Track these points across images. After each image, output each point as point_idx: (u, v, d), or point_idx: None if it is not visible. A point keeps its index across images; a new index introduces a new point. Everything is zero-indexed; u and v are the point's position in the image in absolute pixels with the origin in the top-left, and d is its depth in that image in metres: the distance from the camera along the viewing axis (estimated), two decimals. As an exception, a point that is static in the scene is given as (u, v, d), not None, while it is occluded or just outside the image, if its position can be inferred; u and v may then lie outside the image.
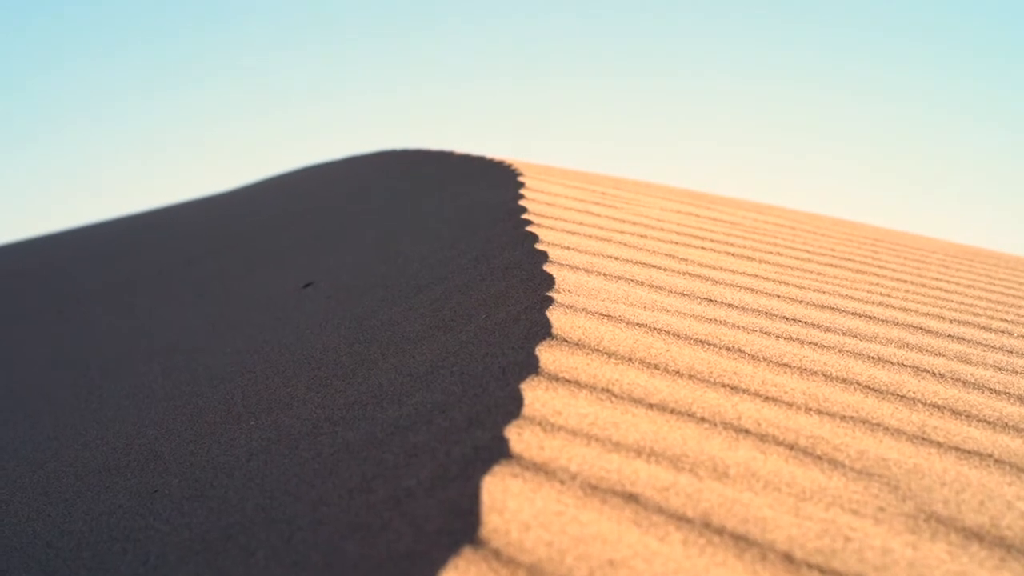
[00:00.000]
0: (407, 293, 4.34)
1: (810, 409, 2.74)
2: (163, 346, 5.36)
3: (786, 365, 3.09)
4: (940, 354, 3.64)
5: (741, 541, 1.92)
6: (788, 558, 1.90)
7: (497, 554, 1.71)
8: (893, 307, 4.42)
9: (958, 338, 3.98)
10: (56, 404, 4.77)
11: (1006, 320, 4.58)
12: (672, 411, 2.52)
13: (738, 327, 3.46)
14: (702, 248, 5.07)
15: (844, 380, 3.06)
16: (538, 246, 4.19)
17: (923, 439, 2.68)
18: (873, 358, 3.38)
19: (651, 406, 2.52)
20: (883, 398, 2.96)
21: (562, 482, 2.00)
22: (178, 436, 3.53)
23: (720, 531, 1.94)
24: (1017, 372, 3.55)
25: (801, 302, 4.14)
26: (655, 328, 3.19)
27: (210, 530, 2.55)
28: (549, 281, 3.56)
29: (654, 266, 4.30)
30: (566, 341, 2.85)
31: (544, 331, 2.93)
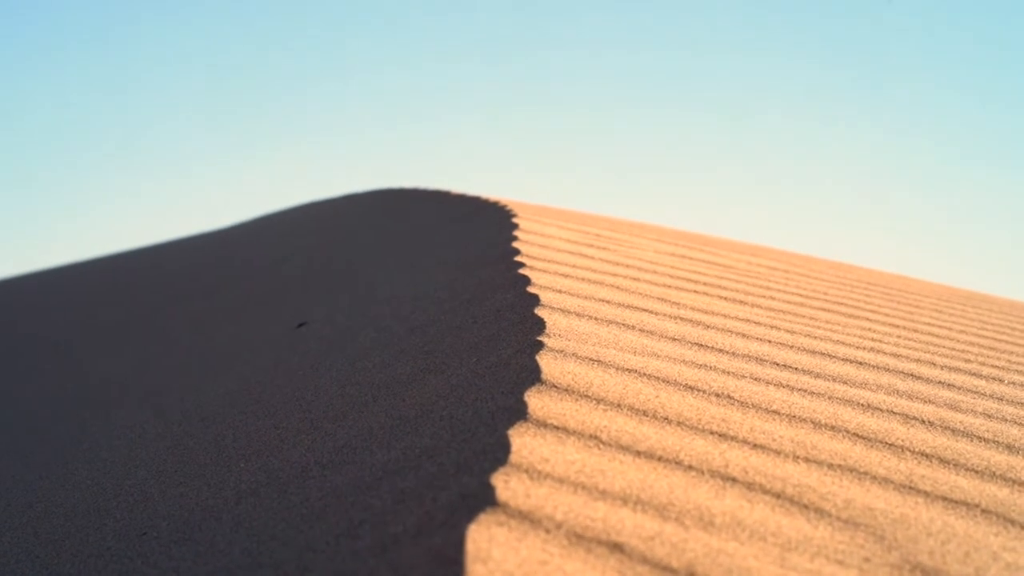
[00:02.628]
0: (400, 335, 4.35)
1: (798, 457, 2.75)
2: (155, 386, 5.36)
3: (775, 412, 3.10)
4: (930, 401, 3.65)
5: (725, 592, 1.92)
6: (772, 609, 1.90)
7: (480, 604, 1.71)
8: (884, 353, 4.43)
9: (948, 385, 3.99)
10: (47, 444, 4.77)
11: (997, 367, 4.60)
12: (660, 459, 2.52)
13: (728, 373, 3.47)
14: (694, 292, 5.08)
15: (833, 428, 3.07)
16: (530, 289, 4.20)
17: (910, 488, 2.69)
18: (863, 405, 3.39)
19: (639, 453, 2.52)
20: (871, 446, 2.97)
21: (547, 531, 2.01)
22: (168, 477, 3.53)
23: (704, 582, 1.94)
24: (1006, 420, 3.56)
25: (792, 347, 4.15)
26: (645, 374, 3.20)
27: (197, 574, 2.55)
28: (540, 325, 3.57)
29: (646, 310, 4.31)
30: (555, 386, 2.86)
31: (534, 376, 2.93)
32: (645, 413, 2.82)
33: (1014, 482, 2.91)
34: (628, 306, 4.30)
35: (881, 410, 3.37)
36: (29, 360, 7.68)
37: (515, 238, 5.70)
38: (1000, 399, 3.90)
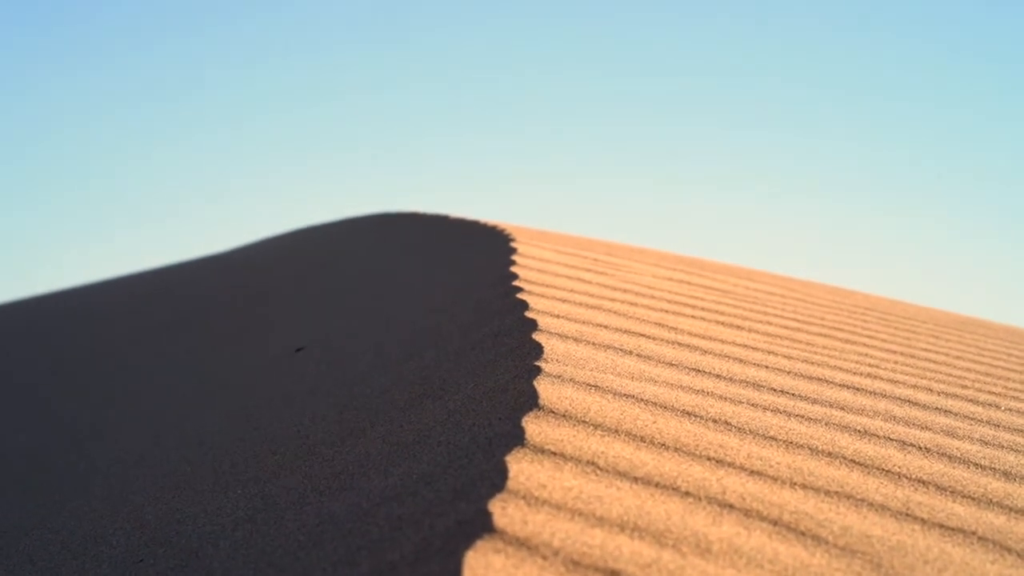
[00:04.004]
0: (397, 360, 4.35)
1: (795, 484, 2.75)
2: (152, 411, 5.36)
3: (772, 438, 3.11)
4: (927, 428, 3.65)
5: (722, 619, 1.92)
6: (769, 637, 1.90)
7: (477, 632, 1.71)
8: (881, 379, 4.43)
9: (945, 411, 4.00)
10: (44, 469, 4.77)
11: (994, 393, 4.60)
12: (657, 485, 2.52)
13: (725, 399, 3.48)
14: (692, 317, 5.09)
15: (830, 454, 3.07)
16: (528, 314, 4.21)
17: (907, 515, 2.69)
18: (859, 431, 3.39)
19: (636, 480, 2.53)
20: (868, 473, 2.97)
21: (544, 557, 2.01)
22: (165, 504, 3.53)
23: (701, 609, 1.94)
24: (1003, 447, 3.56)
25: (789, 373, 4.16)
26: (643, 399, 3.20)
27: (194, 601, 2.55)
28: (538, 350, 3.57)
29: (643, 335, 4.32)
30: (553, 412, 2.86)
31: (531, 402, 2.94)
32: (642, 439, 2.83)
33: (1011, 509, 2.91)
34: (626, 331, 4.31)
35: (878, 436, 3.37)
36: (28, 384, 7.68)
37: (513, 262, 5.71)
38: (997, 426, 3.90)
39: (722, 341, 4.57)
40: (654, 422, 2.99)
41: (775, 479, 2.75)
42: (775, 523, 2.44)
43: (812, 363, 4.49)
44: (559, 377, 3.23)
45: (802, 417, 3.43)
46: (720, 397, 3.48)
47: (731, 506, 2.49)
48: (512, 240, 6.79)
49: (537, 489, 2.32)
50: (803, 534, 2.42)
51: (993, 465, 3.29)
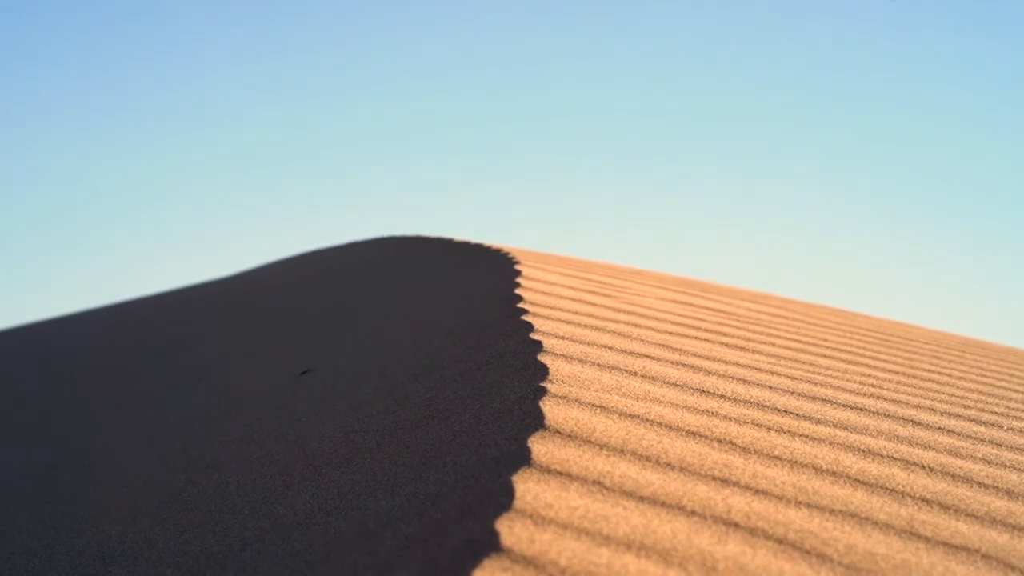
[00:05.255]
0: (403, 381, 4.37)
1: (800, 503, 2.77)
2: (159, 434, 5.38)
3: (777, 458, 3.12)
4: (930, 447, 3.67)
5: (728, 636, 1.94)
6: (774, 654, 1.91)
7: (486, 649, 1.73)
8: (884, 399, 4.45)
9: (948, 431, 4.02)
10: (52, 492, 4.78)
11: (996, 413, 4.62)
12: (663, 504, 2.54)
13: (730, 419, 3.49)
14: (696, 338, 5.11)
15: (834, 473, 3.09)
16: (533, 335, 4.23)
17: (911, 534, 2.71)
18: (863, 451, 3.41)
19: (642, 499, 2.55)
20: (873, 492, 2.99)
21: (552, 576, 2.03)
22: (173, 524, 3.55)
23: (707, 626, 1.96)
24: (1005, 466, 3.58)
25: (793, 393, 4.18)
26: (647, 420, 3.22)
27: (203, 621, 2.57)
28: (543, 371, 3.59)
29: (648, 356, 4.34)
30: (559, 432, 2.88)
31: (537, 422, 2.96)
32: (648, 459, 2.85)
33: (1014, 527, 2.93)
34: (630, 352, 4.33)
35: (882, 456, 3.39)
36: (35, 407, 7.70)
37: (518, 285, 5.73)
38: (999, 445, 3.92)
39: (726, 362, 4.59)
40: (659, 442, 3.01)
41: (780, 498, 2.76)
42: (780, 542, 2.46)
43: (816, 384, 4.51)
44: (565, 398, 3.25)
45: (806, 437, 3.45)
46: (725, 417, 3.50)
47: (736, 525, 2.51)
48: (516, 263, 6.82)
49: (544, 508, 2.34)
50: (808, 552, 2.43)
51: (996, 484, 3.30)
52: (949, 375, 5.61)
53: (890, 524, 2.74)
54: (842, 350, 5.80)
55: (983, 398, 4.99)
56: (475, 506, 2.41)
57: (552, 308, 5.09)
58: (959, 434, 3.99)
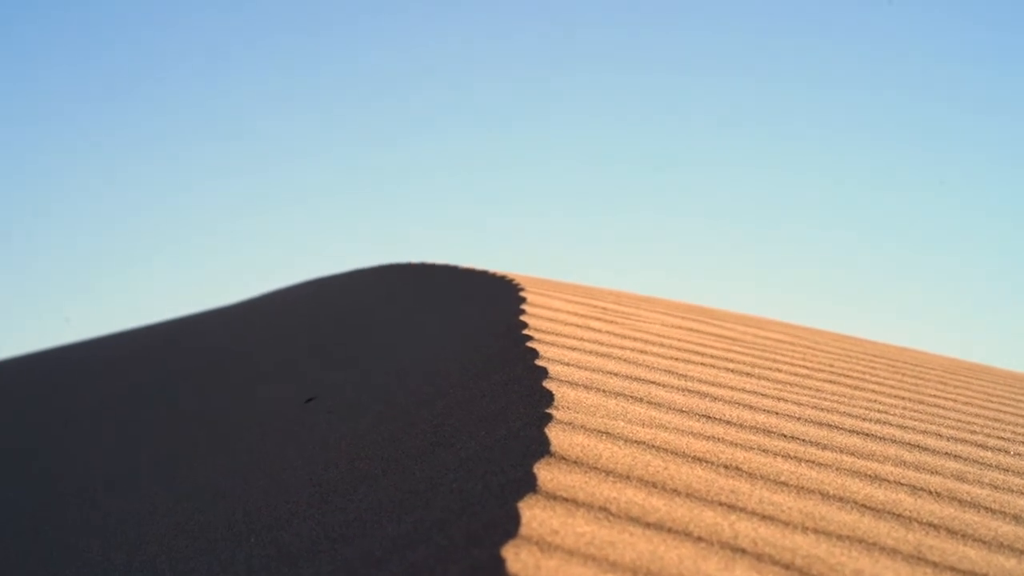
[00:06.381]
0: (408, 408, 4.37)
1: (807, 528, 2.76)
2: (164, 461, 5.38)
3: (784, 483, 3.12)
4: (937, 472, 3.66)
5: (736, 662, 1.93)
6: None
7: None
8: (891, 424, 4.45)
9: (955, 456, 4.01)
10: (59, 520, 4.78)
11: (1002, 438, 4.61)
12: (669, 530, 2.54)
13: (736, 445, 3.49)
14: (702, 364, 5.11)
15: (841, 499, 3.09)
16: (538, 362, 4.24)
17: (919, 559, 2.70)
18: (870, 476, 3.41)
19: (648, 525, 2.54)
20: (879, 517, 2.98)
21: (558, 602, 2.02)
22: (179, 553, 3.55)
23: (715, 652, 1.96)
24: (1013, 491, 3.57)
25: (799, 419, 4.17)
26: (654, 446, 3.22)
27: (209, 648, 2.57)
28: (549, 398, 3.60)
29: (653, 382, 4.34)
30: (564, 459, 2.88)
31: (543, 448, 2.96)
32: (654, 485, 2.85)
33: (1022, 553, 2.92)
34: (636, 378, 4.33)
35: (889, 481, 3.38)
36: (41, 436, 7.70)
37: (523, 311, 5.74)
38: (1006, 470, 3.91)
39: (732, 388, 4.59)
40: (665, 468, 3.01)
41: (787, 524, 2.76)
42: (787, 567, 2.46)
43: (822, 409, 4.51)
44: (570, 424, 3.25)
45: (813, 462, 3.45)
46: (731, 443, 3.50)
47: (743, 551, 2.50)
48: (521, 289, 6.82)
49: (550, 535, 2.34)
50: (815, 578, 2.43)
51: (1003, 509, 3.30)
52: (955, 400, 5.60)
53: (897, 549, 2.74)
54: (848, 376, 5.79)
55: (990, 423, 4.98)
56: (481, 533, 2.41)
57: (557, 335, 5.09)
58: (966, 459, 3.99)
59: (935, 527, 2.99)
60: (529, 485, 2.65)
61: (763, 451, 3.47)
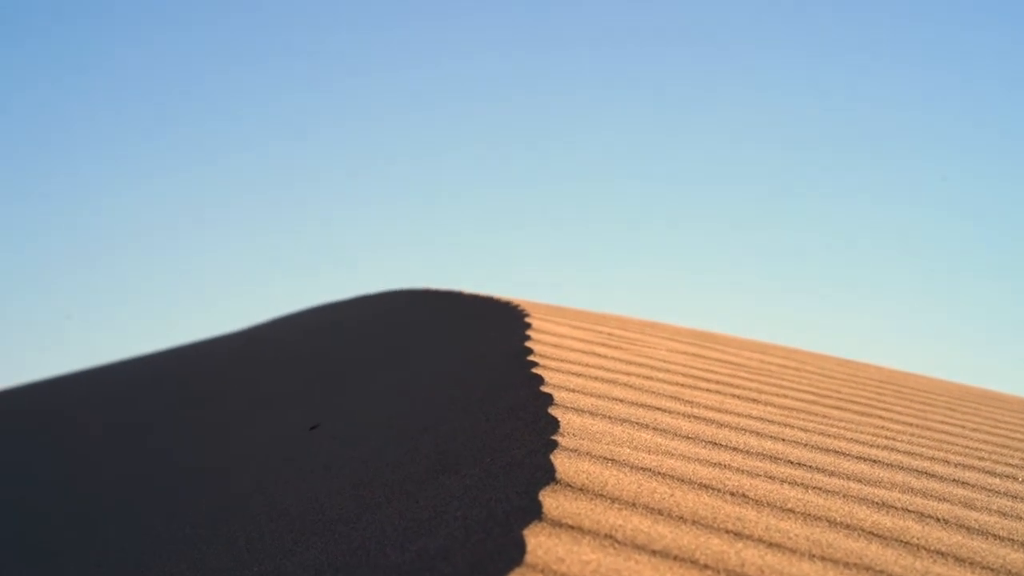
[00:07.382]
0: (412, 434, 4.36)
1: (814, 556, 2.74)
2: (168, 489, 5.36)
3: (790, 510, 3.10)
4: (944, 499, 3.64)
5: None
6: None
7: None
8: (898, 451, 4.42)
9: (962, 483, 3.99)
10: (60, 547, 4.76)
11: (1010, 465, 4.59)
12: (675, 558, 2.52)
13: (743, 471, 3.47)
14: (707, 390, 5.09)
15: (848, 526, 3.06)
16: (543, 388, 4.22)
17: (927, 587, 2.68)
18: (877, 503, 3.38)
19: (654, 552, 2.52)
20: (887, 544, 2.96)
21: (564, 631, 2.00)
22: (181, 580, 3.53)
23: None
24: (1021, 518, 3.55)
25: (806, 445, 4.15)
26: (659, 472, 3.20)
27: (211, 678, 2.55)
28: (554, 424, 3.58)
29: (659, 409, 4.32)
30: (570, 486, 2.86)
31: (548, 476, 2.94)
32: (660, 512, 2.83)
33: (1032, 580, 2.90)
34: (641, 405, 4.31)
35: (896, 508, 3.36)
36: (44, 463, 7.68)
37: (528, 337, 5.72)
38: (1014, 497, 3.89)
39: (738, 414, 4.57)
40: (672, 495, 2.99)
41: (794, 551, 2.74)
42: (794, 596, 2.43)
43: (828, 436, 4.48)
44: (576, 451, 3.23)
45: (820, 489, 3.43)
46: (737, 470, 3.48)
47: (750, 579, 2.48)
48: (526, 315, 6.81)
49: (555, 563, 2.32)
50: (823, 607, 2.41)
51: (1012, 536, 3.27)
52: (963, 427, 5.58)
53: (906, 577, 2.71)
54: (854, 402, 5.77)
55: (997, 449, 4.95)
56: (486, 561, 2.39)
57: (562, 361, 5.08)
58: (973, 486, 3.96)
59: (943, 554, 2.97)
60: (534, 512, 2.63)
61: (770, 478, 3.45)
